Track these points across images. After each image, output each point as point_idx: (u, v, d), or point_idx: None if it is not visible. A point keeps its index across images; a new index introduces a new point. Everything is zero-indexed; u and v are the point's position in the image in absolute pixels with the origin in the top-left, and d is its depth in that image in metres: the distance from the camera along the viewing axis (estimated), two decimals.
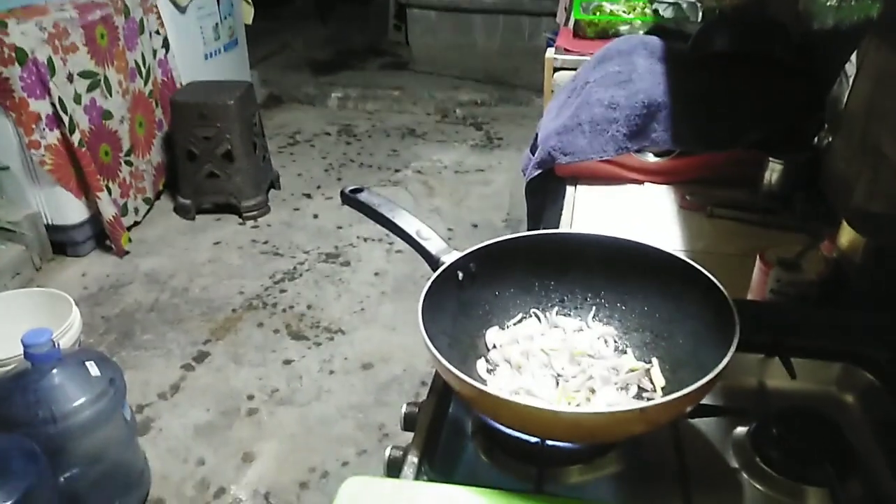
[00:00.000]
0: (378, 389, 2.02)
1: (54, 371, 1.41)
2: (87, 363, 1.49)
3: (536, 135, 1.53)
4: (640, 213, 1.29)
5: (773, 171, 1.26)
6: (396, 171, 3.39)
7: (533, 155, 1.48)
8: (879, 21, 1.09)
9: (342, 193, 0.87)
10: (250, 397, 1.99)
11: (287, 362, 2.13)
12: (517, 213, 2.91)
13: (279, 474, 1.75)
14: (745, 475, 0.67)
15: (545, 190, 1.48)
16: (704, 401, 0.65)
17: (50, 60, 2.32)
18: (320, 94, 4.33)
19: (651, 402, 0.58)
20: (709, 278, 0.70)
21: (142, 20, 2.81)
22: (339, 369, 2.10)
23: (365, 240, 2.76)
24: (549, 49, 2.04)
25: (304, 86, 4.41)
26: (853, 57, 1.18)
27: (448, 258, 0.78)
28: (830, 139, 1.25)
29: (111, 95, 2.63)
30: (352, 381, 2.05)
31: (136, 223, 2.84)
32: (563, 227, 1.26)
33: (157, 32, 2.94)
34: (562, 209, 1.32)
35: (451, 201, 3.10)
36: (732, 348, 0.61)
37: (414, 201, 3.09)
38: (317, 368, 2.10)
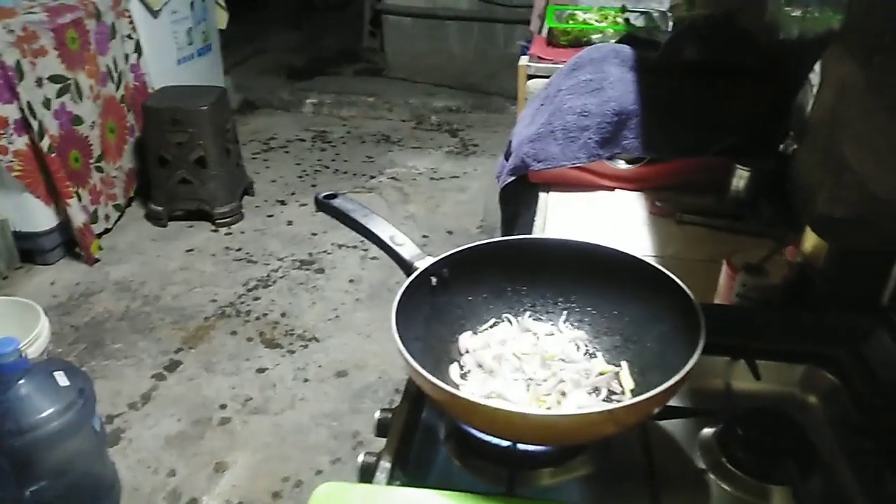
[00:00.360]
0: (352, 397, 2.01)
1: (21, 381, 1.38)
2: (56, 373, 1.46)
3: (510, 142, 1.55)
4: (612, 220, 1.31)
5: (740, 178, 1.28)
6: (371, 177, 3.39)
7: (507, 162, 1.50)
8: (841, 32, 1.12)
9: (316, 199, 0.87)
10: (223, 406, 1.97)
11: (260, 371, 2.11)
12: (492, 219, 2.92)
13: (252, 484, 1.73)
14: (711, 476, 0.68)
15: (519, 196, 1.49)
16: (672, 402, 0.66)
17: (18, 64, 2.28)
18: (295, 100, 4.31)
19: (619, 405, 0.59)
20: (676, 283, 0.71)
21: (113, 24, 2.78)
22: (314, 377, 2.09)
23: (339, 246, 2.75)
24: (522, 57, 2.06)
25: (279, 91, 4.39)
26: (817, 66, 1.21)
27: (422, 264, 0.78)
28: (796, 147, 1.28)
29: (82, 100, 2.59)
30: (326, 389, 2.04)
31: (107, 230, 2.80)
32: (536, 233, 1.27)
33: (130, 37, 2.91)
34: (535, 215, 1.34)
35: (425, 208, 3.10)
36: (698, 351, 0.62)
37: (389, 208, 3.09)
38: (290, 376, 2.09)
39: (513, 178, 1.43)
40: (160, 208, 2.88)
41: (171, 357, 2.16)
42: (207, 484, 1.73)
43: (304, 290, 2.50)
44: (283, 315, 2.36)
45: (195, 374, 2.09)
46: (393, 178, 3.39)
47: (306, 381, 2.07)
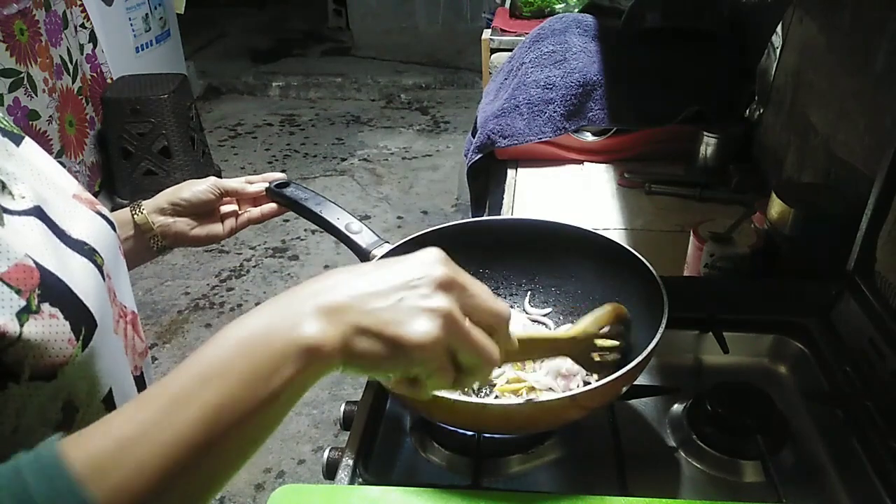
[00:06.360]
0: (332, 384, 1.99)
1: None
2: None
3: (476, 118, 1.51)
4: (581, 193, 1.29)
5: (708, 146, 1.27)
6: (342, 159, 3.34)
7: (474, 139, 1.47)
8: None
9: (268, 189, 0.84)
10: None
11: None
12: (467, 197, 2.88)
13: (233, 477, 1.71)
14: (682, 453, 0.67)
15: (488, 174, 1.47)
16: (641, 380, 0.65)
17: None
18: (261, 84, 4.23)
19: (581, 390, 0.57)
20: (638, 258, 0.69)
21: (65, 13, 2.68)
22: None
23: (313, 232, 2.71)
24: (486, 30, 2.02)
25: (244, 75, 4.30)
26: (779, 29, 1.19)
27: (379, 251, 0.76)
28: (761, 111, 1.27)
29: (36, 94, 2.50)
30: None
31: None
32: (505, 211, 1.25)
33: (83, 26, 2.82)
34: (504, 192, 1.31)
35: (399, 188, 3.07)
36: (661, 329, 0.60)
37: (361, 190, 3.05)
38: None
39: (480, 155, 1.40)
40: (126, 202, 2.81)
41: None
42: None
43: (279, 279, 2.46)
44: (257, 305, 2.32)
45: (170, 369, 2.05)
46: (364, 159, 3.34)
47: None
